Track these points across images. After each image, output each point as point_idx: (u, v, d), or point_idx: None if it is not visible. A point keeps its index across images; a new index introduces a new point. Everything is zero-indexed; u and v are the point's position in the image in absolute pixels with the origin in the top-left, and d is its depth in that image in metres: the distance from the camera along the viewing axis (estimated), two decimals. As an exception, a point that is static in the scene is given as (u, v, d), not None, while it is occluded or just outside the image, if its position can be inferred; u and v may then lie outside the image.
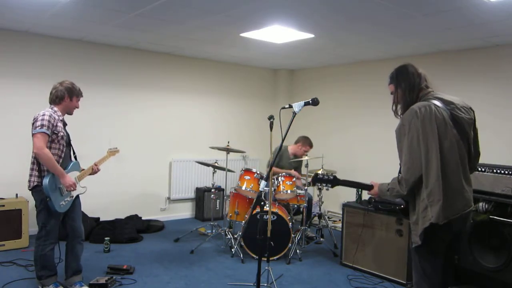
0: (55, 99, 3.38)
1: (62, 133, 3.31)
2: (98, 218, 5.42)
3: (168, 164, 6.25)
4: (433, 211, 2.21)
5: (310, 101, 2.96)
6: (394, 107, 2.51)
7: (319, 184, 2.75)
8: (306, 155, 5.32)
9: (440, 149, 2.24)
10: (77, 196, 3.50)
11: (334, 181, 2.64)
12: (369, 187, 2.58)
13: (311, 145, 5.54)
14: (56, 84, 3.42)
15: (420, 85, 2.42)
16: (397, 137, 2.39)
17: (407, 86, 2.43)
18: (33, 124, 3.24)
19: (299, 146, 5.52)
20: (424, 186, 2.26)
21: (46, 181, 3.18)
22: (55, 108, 3.37)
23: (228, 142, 5.38)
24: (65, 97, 3.38)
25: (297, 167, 5.57)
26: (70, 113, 3.50)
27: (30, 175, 3.28)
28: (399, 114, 2.48)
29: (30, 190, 3.31)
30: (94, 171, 3.64)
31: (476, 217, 3.50)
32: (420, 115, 2.27)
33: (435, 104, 2.32)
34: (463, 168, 2.34)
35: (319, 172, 2.82)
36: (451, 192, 2.25)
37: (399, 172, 2.39)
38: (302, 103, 2.94)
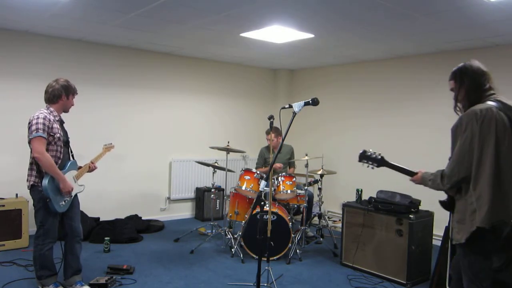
0: (52, 98, 3.32)
1: (58, 134, 3.28)
2: (98, 218, 5.42)
3: (168, 164, 6.25)
4: (481, 215, 2.18)
5: (310, 101, 2.97)
6: (454, 105, 2.44)
7: (365, 161, 2.74)
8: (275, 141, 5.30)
9: (496, 154, 2.19)
10: (76, 195, 3.49)
11: (380, 161, 2.67)
12: (412, 174, 2.57)
13: (268, 133, 5.39)
14: (51, 83, 3.35)
15: (484, 86, 2.36)
16: (452, 135, 2.35)
17: (471, 86, 2.36)
18: (28, 128, 3.20)
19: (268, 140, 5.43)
20: (472, 189, 2.23)
21: (45, 182, 3.17)
22: (51, 108, 3.33)
23: (228, 142, 5.38)
24: (62, 96, 3.34)
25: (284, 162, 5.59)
26: (67, 111, 3.46)
27: (29, 175, 3.27)
28: (460, 112, 2.41)
29: (28, 189, 3.30)
30: (91, 169, 3.64)
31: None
32: (479, 118, 2.22)
33: (496, 107, 2.26)
34: None
35: (369, 149, 2.77)
36: (503, 198, 2.20)
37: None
38: (302, 103, 2.95)
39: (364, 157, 2.72)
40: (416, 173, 2.55)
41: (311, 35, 4.63)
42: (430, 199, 4.41)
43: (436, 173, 2.39)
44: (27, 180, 3.29)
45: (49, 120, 3.23)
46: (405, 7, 3.55)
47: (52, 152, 3.25)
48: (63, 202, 3.31)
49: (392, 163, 2.67)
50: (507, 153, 2.22)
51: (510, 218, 2.19)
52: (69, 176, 3.37)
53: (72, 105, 3.47)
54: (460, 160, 2.25)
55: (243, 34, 4.69)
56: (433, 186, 2.41)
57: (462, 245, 2.28)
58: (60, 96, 3.33)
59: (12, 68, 4.95)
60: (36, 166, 3.24)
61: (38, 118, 3.18)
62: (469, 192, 2.24)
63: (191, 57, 6.34)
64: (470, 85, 2.36)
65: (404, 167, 2.63)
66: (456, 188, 2.33)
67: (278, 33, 4.57)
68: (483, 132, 2.20)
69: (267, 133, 5.41)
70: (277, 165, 5.36)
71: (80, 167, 3.58)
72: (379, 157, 2.69)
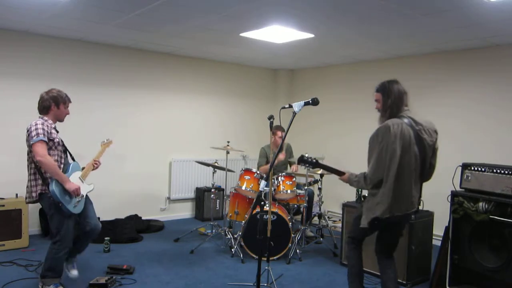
0: (42, 109, 3.37)
1: (57, 139, 3.32)
2: (98, 218, 5.38)
3: (168, 164, 6.25)
4: (381, 208, 2.77)
5: (310, 101, 2.98)
6: (380, 115, 2.97)
7: (303, 164, 3.14)
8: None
9: (400, 161, 2.73)
10: (86, 195, 3.52)
11: (315, 164, 3.13)
12: (341, 173, 3.04)
13: (277, 129, 5.13)
14: (42, 94, 3.40)
15: (404, 104, 2.87)
16: (370, 143, 2.87)
17: (395, 102, 2.85)
18: (28, 135, 3.22)
19: (273, 137, 5.12)
20: (383, 187, 2.78)
21: (52, 187, 3.16)
22: (45, 118, 3.36)
23: (228, 142, 5.38)
24: (52, 106, 3.36)
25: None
26: (61, 120, 3.47)
27: (34, 186, 3.27)
28: (380, 122, 2.92)
29: (35, 201, 3.28)
30: (95, 167, 3.65)
31: (476, 217, 3.50)
32: (392, 131, 2.73)
33: (405, 123, 2.78)
34: (415, 178, 2.85)
35: (306, 154, 3.17)
36: (400, 196, 2.79)
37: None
38: (302, 103, 2.96)
39: (302, 160, 3.10)
40: (344, 173, 3.02)
41: (311, 35, 4.63)
42: (430, 199, 4.43)
43: (360, 175, 2.90)
44: (32, 192, 3.27)
45: (47, 126, 3.28)
46: (405, 7, 3.55)
47: (54, 156, 3.27)
48: (76, 203, 3.32)
49: (324, 164, 3.13)
50: (408, 162, 2.77)
51: (401, 212, 2.82)
52: (74, 177, 3.39)
53: (67, 113, 3.48)
54: (378, 165, 2.77)
55: (243, 34, 4.69)
56: (358, 186, 2.98)
57: (364, 228, 2.90)
58: (49, 107, 3.36)
59: (12, 68, 4.95)
60: (40, 174, 3.25)
61: (36, 124, 3.23)
62: (380, 190, 2.79)
63: (191, 57, 6.34)
64: (394, 101, 2.86)
65: (334, 168, 3.10)
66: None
67: (278, 33, 4.57)
68: (392, 144, 2.71)
69: (281, 130, 5.10)
70: (281, 156, 5.23)
71: (83, 168, 3.59)
72: (314, 160, 3.12)
